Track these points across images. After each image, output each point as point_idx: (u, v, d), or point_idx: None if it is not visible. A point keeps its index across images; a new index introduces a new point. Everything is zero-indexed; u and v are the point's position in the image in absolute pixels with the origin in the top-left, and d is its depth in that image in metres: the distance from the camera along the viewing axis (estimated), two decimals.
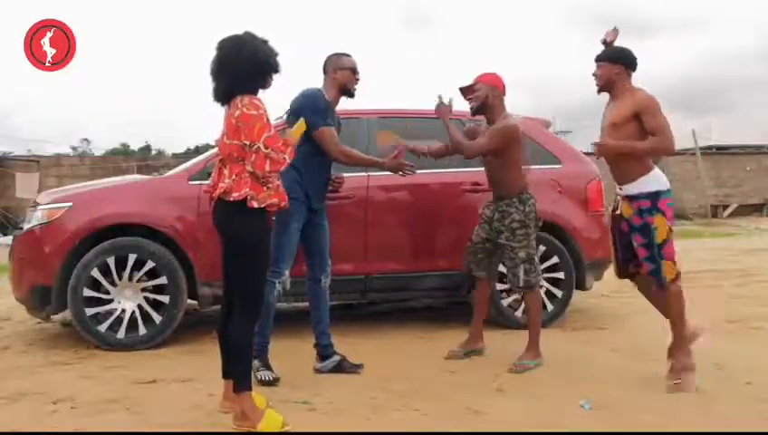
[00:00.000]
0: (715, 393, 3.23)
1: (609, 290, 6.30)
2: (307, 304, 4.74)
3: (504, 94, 3.83)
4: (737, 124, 24.89)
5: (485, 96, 3.75)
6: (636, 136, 3.25)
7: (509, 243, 3.76)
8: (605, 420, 2.91)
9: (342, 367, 3.63)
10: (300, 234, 3.55)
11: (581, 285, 4.87)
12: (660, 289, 3.33)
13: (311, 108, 3.47)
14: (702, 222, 17.80)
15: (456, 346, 3.98)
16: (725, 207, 19.71)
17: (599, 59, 3.38)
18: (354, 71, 3.66)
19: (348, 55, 3.70)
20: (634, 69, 3.36)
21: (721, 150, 21.57)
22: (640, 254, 3.32)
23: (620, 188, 3.39)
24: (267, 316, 3.50)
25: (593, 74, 3.40)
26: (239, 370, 2.81)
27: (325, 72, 3.68)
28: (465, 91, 3.83)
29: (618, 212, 3.41)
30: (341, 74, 3.62)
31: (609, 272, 5.29)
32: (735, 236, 13.62)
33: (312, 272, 3.69)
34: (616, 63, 3.32)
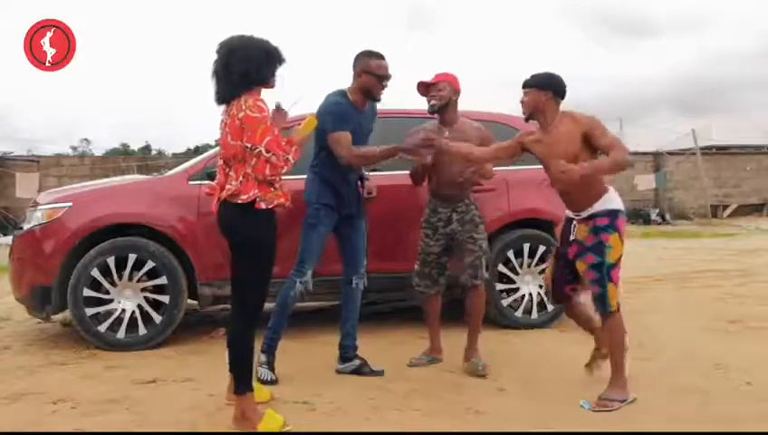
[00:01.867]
0: (715, 393, 3.23)
1: None
2: (309, 304, 4.75)
3: (459, 96, 3.76)
4: (737, 124, 24.93)
5: (449, 97, 3.68)
6: (589, 159, 3.11)
7: (472, 234, 3.70)
8: (605, 420, 2.92)
9: (362, 372, 3.60)
10: (333, 235, 3.55)
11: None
12: (603, 317, 3.20)
13: (326, 113, 3.41)
14: (702, 222, 17.81)
15: (420, 354, 3.89)
16: (725, 207, 19.72)
17: (526, 85, 3.23)
18: (381, 78, 3.49)
19: (379, 57, 3.51)
20: (563, 96, 3.23)
21: (721, 150, 21.60)
22: (589, 276, 3.16)
23: (576, 215, 3.22)
24: (284, 314, 3.51)
25: (520, 101, 3.26)
26: (239, 371, 2.81)
27: (354, 69, 3.53)
28: (426, 88, 3.71)
29: (572, 238, 3.22)
30: (367, 79, 3.48)
31: None
32: (735, 236, 13.62)
33: (345, 272, 3.68)
34: (544, 90, 3.18)
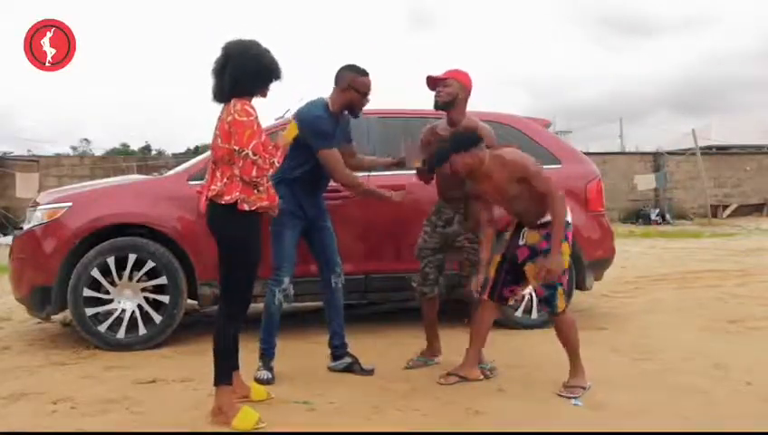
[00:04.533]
0: (715, 393, 3.24)
1: (609, 290, 6.31)
2: (308, 303, 4.74)
3: (470, 95, 3.67)
4: (737, 124, 24.94)
5: (456, 94, 3.58)
6: (532, 188, 3.22)
7: (472, 245, 3.62)
8: (605, 420, 2.92)
9: (352, 369, 3.64)
10: (298, 240, 3.57)
11: (581, 285, 4.86)
12: (553, 317, 3.38)
13: (311, 131, 3.40)
14: (702, 222, 17.80)
15: (417, 355, 3.86)
16: (725, 207, 19.72)
17: (445, 158, 3.29)
18: (366, 95, 3.54)
19: (365, 74, 3.54)
20: (475, 143, 3.27)
21: (721, 150, 21.61)
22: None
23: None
24: (271, 324, 3.54)
25: (455, 169, 3.32)
26: (216, 363, 2.89)
27: (337, 82, 3.54)
28: (435, 82, 3.62)
29: (521, 242, 3.34)
30: (353, 95, 3.50)
31: (609, 272, 5.31)
32: (735, 236, 13.62)
33: (322, 274, 3.71)
34: (466, 151, 3.23)
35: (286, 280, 3.51)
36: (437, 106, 3.65)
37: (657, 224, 17.78)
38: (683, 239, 13.00)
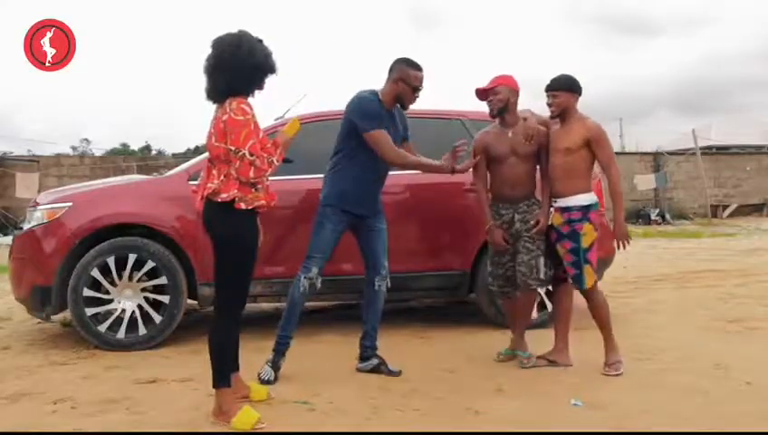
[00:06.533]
0: (715, 393, 3.24)
1: (610, 290, 6.30)
2: (309, 304, 4.75)
3: (519, 96, 3.76)
4: (737, 124, 24.91)
5: (507, 99, 3.69)
6: (585, 160, 3.58)
7: (532, 233, 3.67)
8: (605, 420, 2.91)
9: (380, 370, 3.63)
10: (339, 235, 3.56)
11: None
12: (583, 294, 3.64)
13: (358, 112, 3.44)
14: (702, 222, 17.80)
15: (504, 349, 3.90)
16: (725, 207, 19.72)
17: (558, 88, 3.58)
18: (416, 89, 3.54)
19: (417, 68, 3.55)
20: (580, 95, 3.65)
21: (721, 150, 21.59)
22: (566, 259, 3.59)
23: (554, 201, 3.64)
24: (292, 312, 3.54)
25: (548, 104, 3.61)
26: (213, 365, 2.87)
27: (389, 73, 3.56)
28: (484, 93, 3.72)
29: (549, 222, 3.66)
30: (402, 87, 3.51)
31: (609, 272, 5.31)
32: (735, 236, 13.62)
33: (366, 274, 3.71)
34: (573, 92, 3.59)
35: (315, 270, 3.50)
36: (493, 114, 3.76)
37: (658, 224, 17.77)
38: (683, 239, 13.00)
